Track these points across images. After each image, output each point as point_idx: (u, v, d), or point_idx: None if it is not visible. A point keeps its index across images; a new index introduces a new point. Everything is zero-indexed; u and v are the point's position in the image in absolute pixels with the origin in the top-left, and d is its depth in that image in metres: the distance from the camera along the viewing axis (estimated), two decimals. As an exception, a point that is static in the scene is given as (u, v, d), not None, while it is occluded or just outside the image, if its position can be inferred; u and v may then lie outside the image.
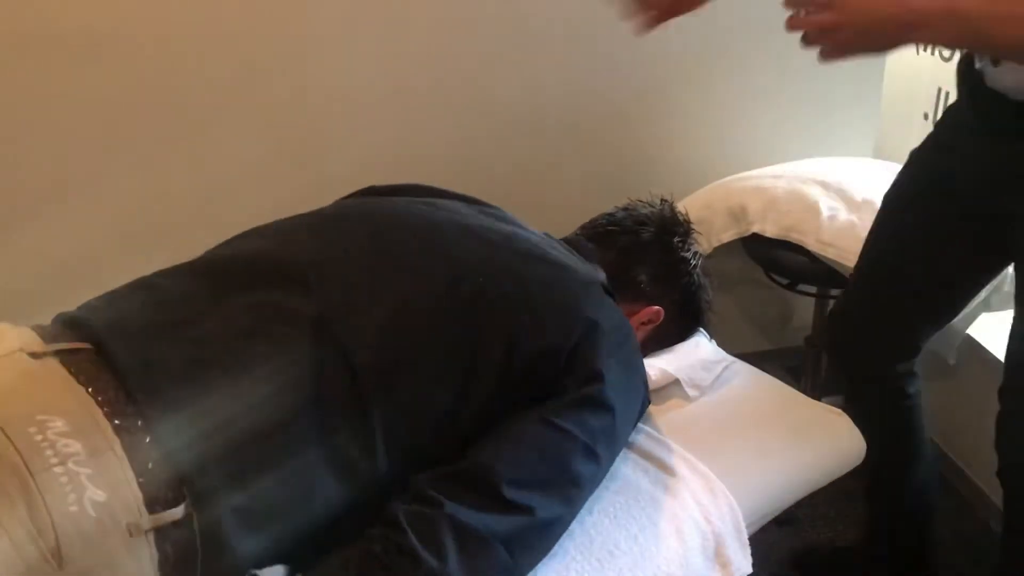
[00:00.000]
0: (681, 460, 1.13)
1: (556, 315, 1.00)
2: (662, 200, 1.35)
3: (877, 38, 0.99)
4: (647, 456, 1.11)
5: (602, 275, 1.16)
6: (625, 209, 1.34)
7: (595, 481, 0.99)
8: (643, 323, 1.26)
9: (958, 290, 1.42)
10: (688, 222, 1.35)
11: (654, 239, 1.30)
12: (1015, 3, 0.96)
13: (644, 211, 1.33)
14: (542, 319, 0.99)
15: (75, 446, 0.78)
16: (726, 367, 1.31)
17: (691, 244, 1.34)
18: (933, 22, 0.97)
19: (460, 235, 1.07)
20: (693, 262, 1.32)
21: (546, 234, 1.20)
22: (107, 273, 1.14)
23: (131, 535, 0.77)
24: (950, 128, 1.33)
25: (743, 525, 1.08)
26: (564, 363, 0.98)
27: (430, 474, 0.90)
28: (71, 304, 0.99)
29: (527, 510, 0.89)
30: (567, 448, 0.94)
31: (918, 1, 0.96)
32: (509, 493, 0.88)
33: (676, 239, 1.31)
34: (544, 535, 0.92)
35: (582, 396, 0.96)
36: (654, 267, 1.28)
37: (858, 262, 1.46)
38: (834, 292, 1.95)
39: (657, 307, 1.27)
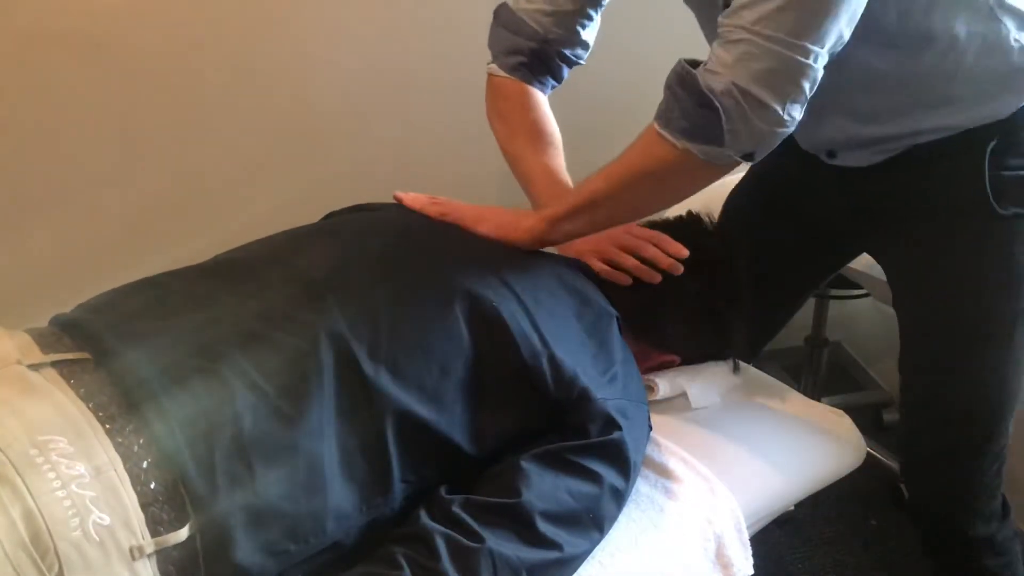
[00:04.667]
0: (681, 461, 1.13)
1: (570, 356, 0.99)
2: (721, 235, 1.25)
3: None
4: (647, 458, 1.11)
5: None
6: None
7: (613, 522, 0.99)
8: (653, 367, 1.24)
9: (798, 296, 1.53)
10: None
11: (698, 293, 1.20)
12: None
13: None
14: (556, 356, 0.98)
15: (78, 468, 0.76)
16: (734, 387, 1.30)
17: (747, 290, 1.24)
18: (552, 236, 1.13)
19: (473, 257, 1.07)
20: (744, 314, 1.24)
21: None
22: (105, 272, 1.14)
23: (134, 559, 0.76)
24: (784, 172, 1.36)
25: (744, 526, 1.08)
26: (578, 407, 0.97)
27: (461, 499, 0.89)
28: (68, 303, 0.98)
29: (556, 546, 0.90)
30: (595, 490, 0.95)
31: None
32: (543, 527, 0.89)
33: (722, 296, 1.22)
34: (563, 570, 0.93)
35: (608, 442, 0.97)
36: (689, 325, 1.23)
37: None
38: (833, 292, 1.95)
39: (675, 356, 1.25)
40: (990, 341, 1.19)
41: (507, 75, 1.30)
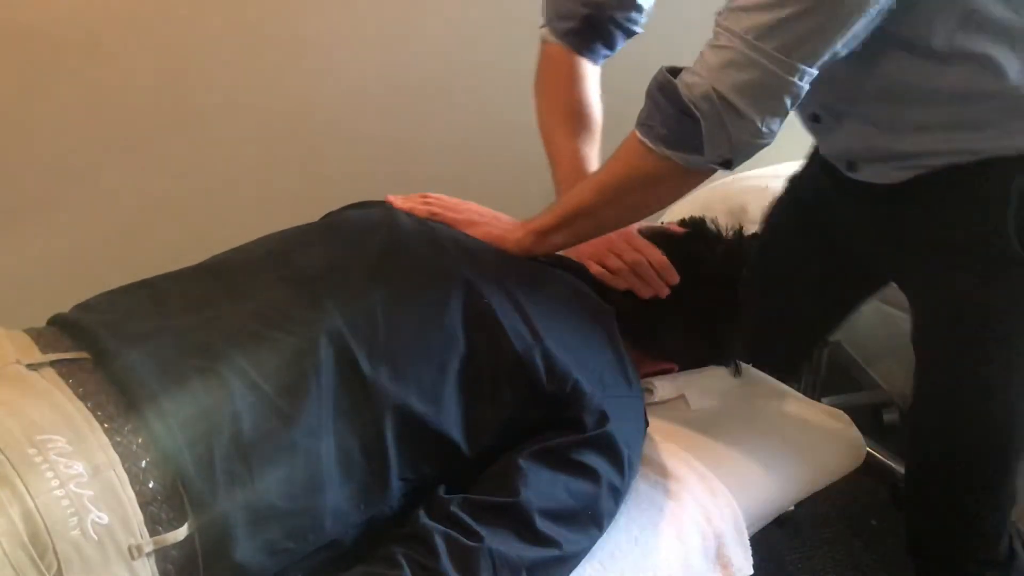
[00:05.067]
0: (681, 462, 1.13)
1: (564, 352, 0.99)
2: (735, 233, 1.24)
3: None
4: (647, 458, 1.11)
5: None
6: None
7: (612, 519, 0.99)
8: (650, 373, 1.24)
9: (834, 319, 1.47)
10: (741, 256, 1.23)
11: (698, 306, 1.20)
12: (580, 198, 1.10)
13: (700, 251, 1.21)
14: (550, 352, 0.98)
15: (77, 467, 0.76)
16: (734, 389, 1.30)
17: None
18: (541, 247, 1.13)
19: (467, 256, 1.07)
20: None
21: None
22: (104, 272, 1.14)
23: (132, 558, 0.76)
24: (815, 189, 1.32)
25: (743, 526, 1.08)
26: (572, 401, 0.97)
27: (460, 498, 0.89)
28: (67, 303, 0.98)
29: (555, 544, 0.90)
30: (593, 488, 0.95)
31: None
32: (542, 526, 0.89)
33: (727, 301, 1.21)
34: (562, 568, 0.93)
35: (601, 436, 0.97)
36: (690, 336, 1.23)
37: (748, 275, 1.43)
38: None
39: (672, 365, 1.26)
40: (1001, 387, 1.12)
41: (557, 41, 1.27)
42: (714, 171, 1.02)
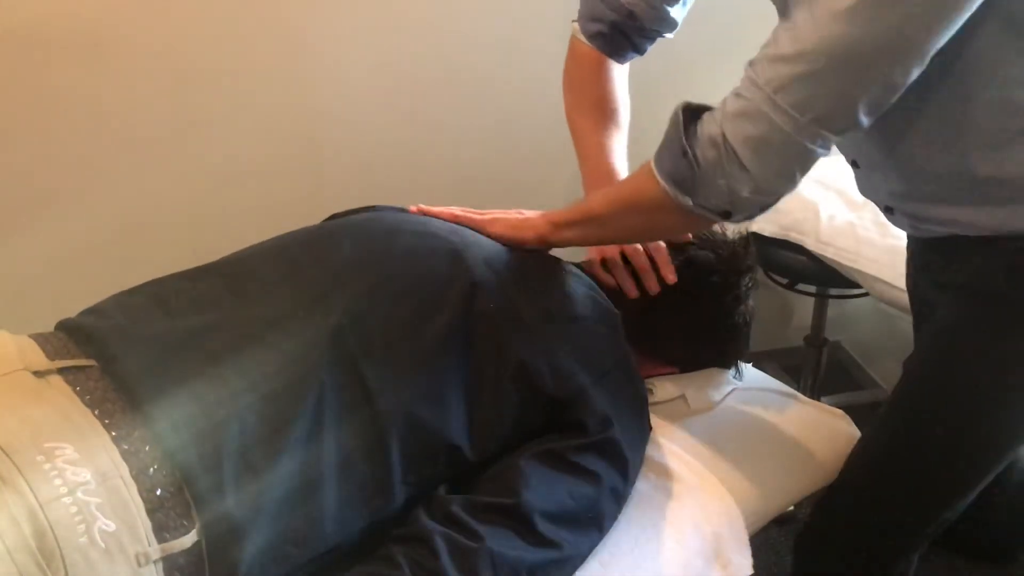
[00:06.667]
0: (680, 462, 1.13)
1: (568, 354, 1.00)
2: (740, 238, 1.22)
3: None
4: (647, 458, 1.11)
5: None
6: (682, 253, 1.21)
7: (612, 521, 1.00)
8: (651, 374, 1.24)
9: None
10: (750, 268, 1.22)
11: (703, 308, 1.21)
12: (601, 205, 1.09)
13: (701, 257, 1.20)
14: (554, 354, 0.99)
15: (84, 474, 0.76)
16: (734, 389, 1.31)
17: (746, 307, 1.23)
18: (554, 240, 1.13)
19: (472, 257, 1.06)
20: (744, 329, 1.25)
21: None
22: (109, 274, 1.14)
23: (140, 565, 0.76)
24: None
25: (743, 525, 1.09)
26: (575, 403, 0.98)
27: (461, 499, 0.90)
28: (71, 306, 0.99)
29: (556, 545, 0.90)
30: (594, 490, 0.95)
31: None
32: (542, 527, 0.89)
33: (729, 306, 1.21)
34: (563, 570, 0.93)
35: (603, 440, 0.97)
36: (692, 341, 1.23)
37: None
38: (833, 292, 1.95)
39: (673, 368, 1.25)
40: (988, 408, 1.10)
41: (585, 41, 1.26)
42: (713, 220, 0.99)
